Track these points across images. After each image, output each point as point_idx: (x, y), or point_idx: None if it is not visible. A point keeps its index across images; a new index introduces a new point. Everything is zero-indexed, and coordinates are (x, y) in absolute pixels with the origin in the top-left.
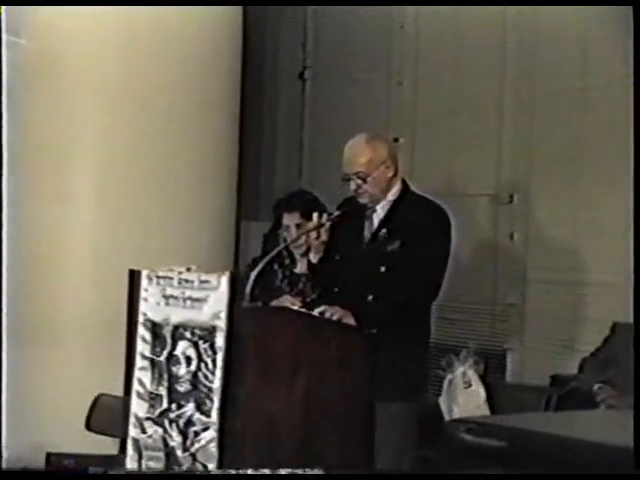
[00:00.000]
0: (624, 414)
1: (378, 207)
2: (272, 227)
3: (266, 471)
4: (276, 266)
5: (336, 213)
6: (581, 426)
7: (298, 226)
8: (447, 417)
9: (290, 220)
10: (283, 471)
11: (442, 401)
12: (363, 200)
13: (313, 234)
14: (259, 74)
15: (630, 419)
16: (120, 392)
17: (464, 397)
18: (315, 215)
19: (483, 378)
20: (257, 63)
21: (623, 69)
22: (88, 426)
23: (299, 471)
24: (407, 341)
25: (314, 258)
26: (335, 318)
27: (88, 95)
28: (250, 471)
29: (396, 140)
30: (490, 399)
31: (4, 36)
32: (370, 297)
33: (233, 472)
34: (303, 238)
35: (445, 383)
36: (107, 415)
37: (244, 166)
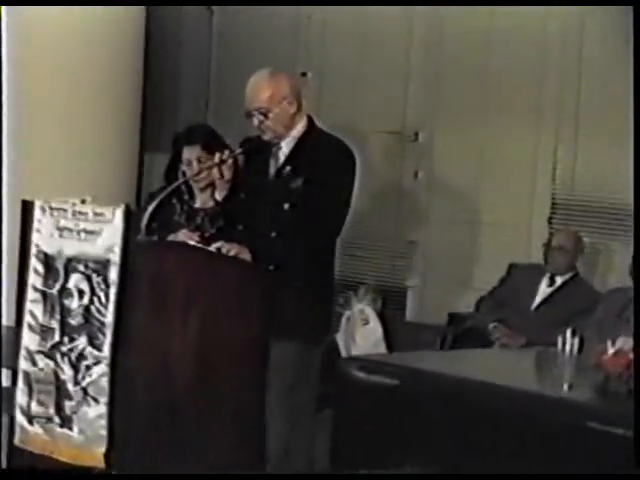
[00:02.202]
0: (515, 353)
1: (283, 144)
2: (171, 161)
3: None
4: (174, 200)
5: (238, 151)
6: (473, 365)
7: (199, 160)
8: (344, 354)
9: (190, 154)
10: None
11: (339, 338)
12: (266, 137)
13: (216, 173)
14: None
15: (521, 357)
16: (12, 323)
17: (361, 334)
18: (217, 154)
19: (381, 315)
20: None
21: (530, 9)
22: None
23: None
24: (311, 280)
25: (219, 196)
26: (232, 254)
27: None
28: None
29: (304, 74)
30: (387, 337)
31: (4, 36)
32: (273, 234)
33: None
34: (204, 173)
35: (343, 320)
36: None
37: (148, 97)
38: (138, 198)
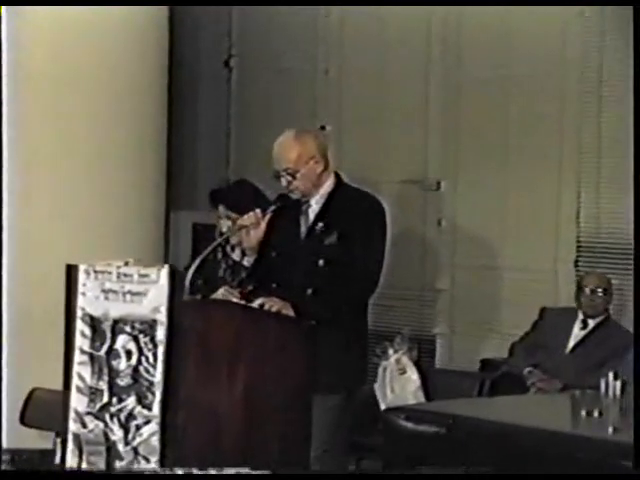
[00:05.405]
0: (554, 397)
1: (312, 201)
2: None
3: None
4: (220, 256)
5: (271, 209)
6: (515, 410)
7: (228, 217)
8: (382, 404)
9: (221, 210)
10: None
11: (377, 388)
12: (295, 196)
13: (249, 232)
14: (184, 63)
15: (561, 401)
16: (59, 387)
17: (399, 384)
18: (251, 213)
19: (417, 364)
20: (182, 52)
21: (547, 56)
22: (22, 420)
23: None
24: (346, 334)
25: (247, 262)
26: (274, 310)
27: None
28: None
29: (323, 128)
30: (424, 385)
31: (4, 36)
32: (309, 291)
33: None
34: (239, 229)
35: (380, 370)
36: (42, 409)
37: (171, 156)
38: (166, 257)
